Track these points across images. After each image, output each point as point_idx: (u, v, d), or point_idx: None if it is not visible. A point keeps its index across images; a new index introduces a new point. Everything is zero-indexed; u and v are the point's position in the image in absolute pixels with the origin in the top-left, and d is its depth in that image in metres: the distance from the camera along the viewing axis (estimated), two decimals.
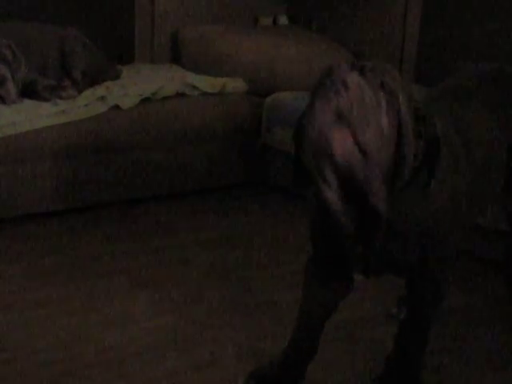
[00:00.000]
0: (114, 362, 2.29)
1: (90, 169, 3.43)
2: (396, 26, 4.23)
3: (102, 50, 3.85)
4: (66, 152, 3.33)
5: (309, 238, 2.04)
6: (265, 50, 4.09)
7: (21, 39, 3.54)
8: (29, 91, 3.42)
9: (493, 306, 2.77)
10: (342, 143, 1.58)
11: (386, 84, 1.65)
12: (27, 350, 2.33)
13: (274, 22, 4.79)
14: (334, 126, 1.58)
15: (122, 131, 3.49)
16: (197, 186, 3.80)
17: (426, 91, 2.31)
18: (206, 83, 3.89)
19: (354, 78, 1.61)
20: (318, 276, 2.08)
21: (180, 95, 3.79)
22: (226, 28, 4.34)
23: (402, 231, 1.87)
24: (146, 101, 3.63)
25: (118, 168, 3.51)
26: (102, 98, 3.51)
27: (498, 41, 3.75)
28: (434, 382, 2.24)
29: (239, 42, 4.15)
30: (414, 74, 4.21)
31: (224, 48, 4.15)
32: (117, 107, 3.52)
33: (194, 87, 3.85)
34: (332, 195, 1.64)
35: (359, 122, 1.58)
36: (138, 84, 3.71)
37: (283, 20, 4.79)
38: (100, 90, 3.56)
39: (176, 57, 4.39)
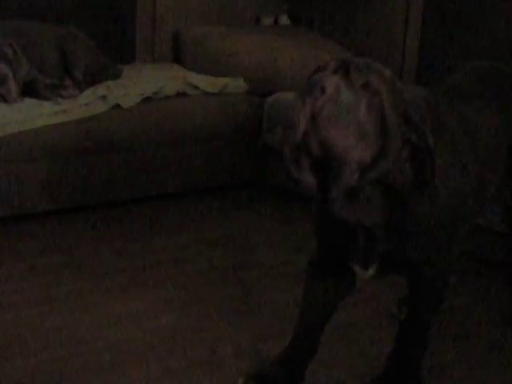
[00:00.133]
0: (113, 362, 2.29)
1: (91, 168, 3.43)
2: (397, 27, 4.23)
3: (103, 50, 3.85)
4: (66, 151, 3.33)
5: (313, 234, 2.04)
6: (266, 49, 4.09)
7: (22, 38, 3.55)
8: (30, 90, 3.42)
9: (493, 306, 2.77)
10: (315, 145, 1.61)
11: (370, 84, 1.65)
12: (25, 349, 2.32)
13: (276, 21, 4.79)
14: (308, 129, 1.61)
15: (122, 130, 3.49)
16: (197, 185, 3.80)
17: (428, 91, 2.30)
18: (206, 83, 3.89)
19: (332, 82, 1.61)
20: (319, 276, 2.08)
21: (181, 95, 3.79)
22: (228, 28, 4.34)
23: (403, 231, 1.87)
24: (146, 100, 3.64)
25: (118, 167, 3.51)
26: (103, 98, 3.51)
27: (499, 41, 3.75)
28: (434, 383, 2.24)
29: (240, 42, 4.15)
30: (415, 75, 4.21)
31: (225, 48, 4.15)
32: (118, 106, 3.53)
33: (195, 87, 3.85)
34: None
35: (330, 124, 1.59)
36: (138, 83, 3.71)
37: (284, 20, 4.79)
38: (101, 90, 3.56)
39: (177, 56, 4.39)
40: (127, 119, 3.51)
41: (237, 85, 3.97)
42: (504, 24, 3.74)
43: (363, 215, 1.82)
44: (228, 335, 2.48)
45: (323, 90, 1.60)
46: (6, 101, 3.29)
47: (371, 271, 1.96)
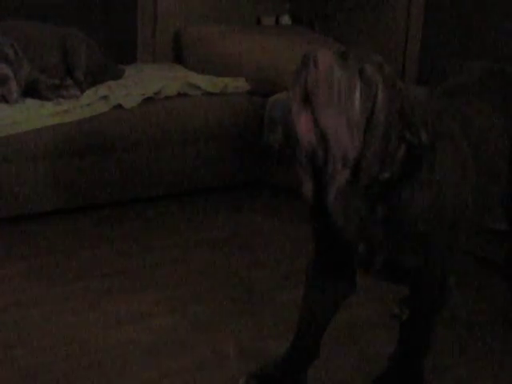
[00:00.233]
0: (114, 363, 2.29)
1: (92, 168, 3.43)
2: (398, 27, 4.23)
3: (104, 50, 3.85)
4: (68, 151, 3.33)
5: (312, 236, 2.04)
6: (267, 49, 4.08)
7: (23, 39, 3.54)
8: (31, 91, 3.42)
9: (493, 306, 2.77)
10: (305, 127, 1.61)
11: (364, 71, 1.64)
12: (26, 349, 2.33)
13: (277, 21, 4.78)
14: (300, 112, 1.61)
15: (124, 131, 3.49)
16: (198, 185, 3.80)
17: (429, 91, 2.30)
18: (208, 83, 3.89)
19: (325, 58, 1.61)
20: (320, 277, 2.08)
21: (182, 95, 3.79)
22: (229, 28, 4.34)
23: (405, 230, 1.87)
24: (148, 100, 3.63)
25: (120, 167, 3.51)
26: (105, 98, 3.51)
27: (501, 41, 3.74)
28: (435, 383, 2.24)
29: (241, 42, 4.15)
30: (416, 75, 4.21)
31: (226, 48, 4.14)
32: (119, 107, 3.52)
33: (197, 87, 3.85)
34: (305, 180, 1.69)
35: (323, 104, 1.59)
36: (140, 84, 3.71)
37: (286, 20, 4.79)
38: (102, 90, 3.56)
39: (178, 56, 4.39)
40: (128, 119, 3.51)
41: (238, 85, 3.97)
42: (505, 24, 3.74)
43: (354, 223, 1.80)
44: (229, 335, 2.48)
45: (316, 64, 1.60)
46: (7, 101, 3.29)
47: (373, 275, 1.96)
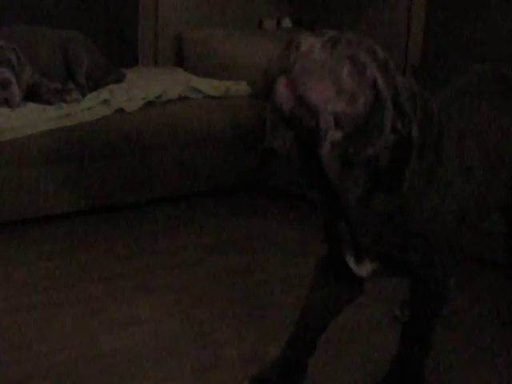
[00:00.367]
0: (117, 366, 2.29)
1: (94, 172, 3.43)
2: (400, 29, 4.23)
3: (105, 54, 3.85)
4: (69, 155, 3.34)
5: (323, 237, 2.05)
6: (269, 52, 4.08)
7: (25, 43, 3.55)
8: (33, 95, 3.43)
9: (493, 306, 2.77)
10: (284, 95, 1.61)
11: (356, 57, 1.65)
12: (29, 352, 2.33)
13: (278, 24, 4.79)
14: (279, 81, 1.61)
15: (125, 134, 3.50)
16: (200, 188, 3.80)
17: (434, 92, 2.30)
18: (209, 86, 3.89)
19: (308, 41, 1.63)
20: (325, 277, 2.08)
21: (183, 98, 3.80)
22: (230, 31, 4.35)
23: (405, 231, 1.87)
24: (149, 104, 3.64)
25: (121, 171, 3.51)
26: (106, 102, 3.51)
27: (503, 42, 3.74)
28: None
29: (243, 45, 4.16)
30: (417, 76, 4.21)
31: (228, 51, 4.15)
32: (121, 110, 3.53)
33: (198, 90, 3.85)
34: (279, 144, 1.71)
35: (302, 75, 1.59)
36: (141, 87, 3.72)
37: (287, 23, 4.79)
38: (104, 94, 3.57)
39: (179, 60, 4.39)
40: (130, 123, 3.51)
41: (239, 88, 3.97)
42: (506, 24, 3.74)
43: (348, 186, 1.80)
44: (232, 339, 2.48)
45: (298, 48, 1.62)
46: (9, 105, 3.30)
47: (366, 269, 1.96)
